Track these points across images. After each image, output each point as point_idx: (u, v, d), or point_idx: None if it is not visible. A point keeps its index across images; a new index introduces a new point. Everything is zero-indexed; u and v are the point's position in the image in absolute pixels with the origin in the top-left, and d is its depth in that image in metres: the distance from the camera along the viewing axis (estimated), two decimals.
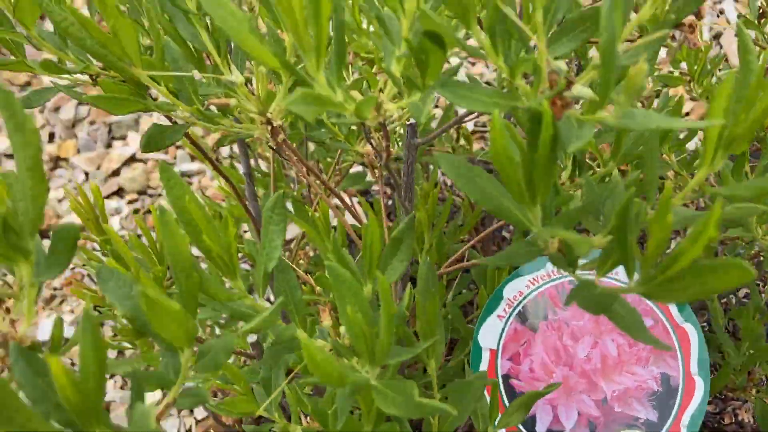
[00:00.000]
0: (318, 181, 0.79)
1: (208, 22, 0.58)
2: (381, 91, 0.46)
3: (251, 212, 0.89)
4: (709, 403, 1.36)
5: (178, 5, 0.53)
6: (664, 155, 0.88)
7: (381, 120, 0.47)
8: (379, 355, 0.45)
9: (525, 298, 0.94)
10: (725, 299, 1.25)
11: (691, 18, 0.54)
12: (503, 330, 0.91)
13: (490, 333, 0.91)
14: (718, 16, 2.15)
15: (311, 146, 1.34)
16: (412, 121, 0.62)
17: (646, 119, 0.37)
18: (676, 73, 1.12)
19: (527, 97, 0.43)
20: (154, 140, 0.64)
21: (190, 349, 0.44)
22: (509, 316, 0.92)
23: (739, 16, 0.87)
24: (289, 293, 0.55)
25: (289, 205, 0.99)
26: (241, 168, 0.95)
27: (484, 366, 0.90)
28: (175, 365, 0.46)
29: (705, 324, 1.25)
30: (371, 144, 0.73)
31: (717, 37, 2.11)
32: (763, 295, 1.06)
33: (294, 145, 1.29)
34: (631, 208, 0.37)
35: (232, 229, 0.44)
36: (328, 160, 1.21)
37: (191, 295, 0.41)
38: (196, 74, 0.59)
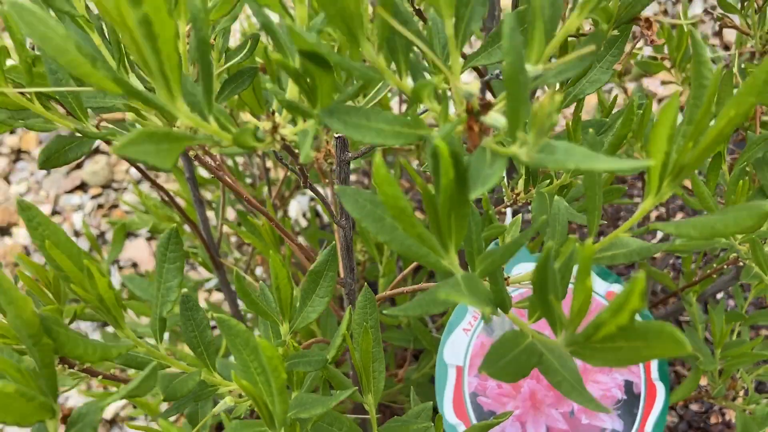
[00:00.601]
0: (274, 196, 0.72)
1: (104, 24, 0.51)
2: (274, 113, 0.39)
3: (192, 220, 0.83)
4: (696, 401, 1.31)
5: (58, 7, 0.47)
6: None
7: (278, 145, 0.41)
8: (278, 419, 0.39)
9: None
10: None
11: (648, 13, 0.47)
12: (469, 345, 0.85)
13: (455, 348, 0.85)
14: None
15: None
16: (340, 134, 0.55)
17: (566, 156, 0.30)
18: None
19: (440, 124, 0.36)
20: (54, 155, 0.58)
21: (55, 420, 0.38)
22: (475, 330, 0.86)
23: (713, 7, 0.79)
24: (198, 334, 0.49)
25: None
26: (186, 172, 0.89)
27: (450, 384, 0.84)
28: None
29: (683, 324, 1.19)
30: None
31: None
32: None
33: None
34: (549, 266, 0.31)
35: (102, 279, 0.38)
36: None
37: (45, 364, 0.35)
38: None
